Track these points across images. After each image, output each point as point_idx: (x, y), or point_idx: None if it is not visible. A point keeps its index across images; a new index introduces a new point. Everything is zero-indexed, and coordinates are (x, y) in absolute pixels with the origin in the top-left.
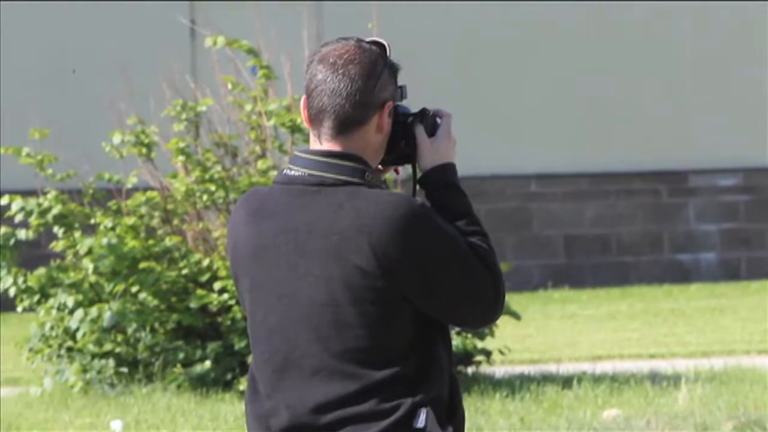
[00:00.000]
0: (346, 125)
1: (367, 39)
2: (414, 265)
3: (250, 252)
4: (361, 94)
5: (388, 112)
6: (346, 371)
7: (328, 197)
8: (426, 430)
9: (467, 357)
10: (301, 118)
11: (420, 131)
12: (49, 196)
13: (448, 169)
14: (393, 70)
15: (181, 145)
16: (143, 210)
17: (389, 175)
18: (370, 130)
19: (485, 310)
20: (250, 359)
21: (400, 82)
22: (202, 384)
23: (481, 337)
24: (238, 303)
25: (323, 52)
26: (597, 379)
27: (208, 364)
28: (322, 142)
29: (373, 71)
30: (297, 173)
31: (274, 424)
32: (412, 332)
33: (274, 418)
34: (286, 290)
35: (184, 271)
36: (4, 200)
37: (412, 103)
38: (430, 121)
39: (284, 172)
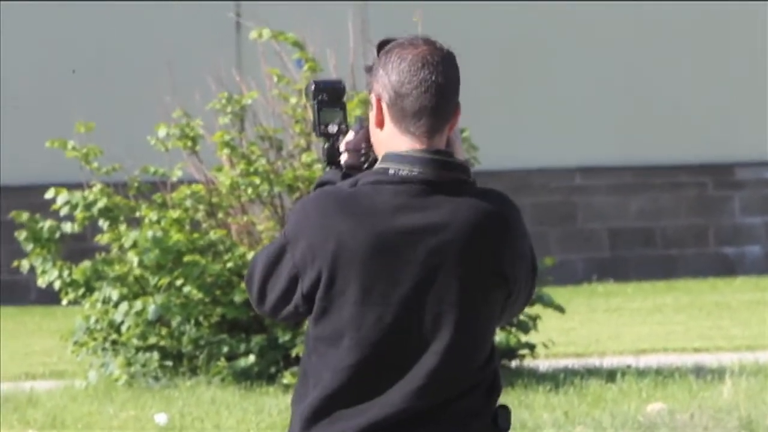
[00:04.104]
0: (441, 124)
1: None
2: (524, 263)
3: (364, 255)
4: (455, 93)
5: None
6: (457, 373)
7: (451, 196)
8: (506, 428)
9: (511, 351)
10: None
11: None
12: (94, 189)
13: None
14: None
15: (226, 138)
16: (188, 203)
17: None
18: (448, 128)
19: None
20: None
21: None
22: (246, 377)
23: (525, 331)
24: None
25: (415, 51)
26: (641, 373)
27: (252, 357)
28: (421, 140)
29: (458, 71)
30: (410, 173)
31: (360, 424)
32: (494, 332)
33: (359, 418)
34: (409, 291)
35: (229, 265)
36: (50, 193)
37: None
38: None
39: (389, 171)
